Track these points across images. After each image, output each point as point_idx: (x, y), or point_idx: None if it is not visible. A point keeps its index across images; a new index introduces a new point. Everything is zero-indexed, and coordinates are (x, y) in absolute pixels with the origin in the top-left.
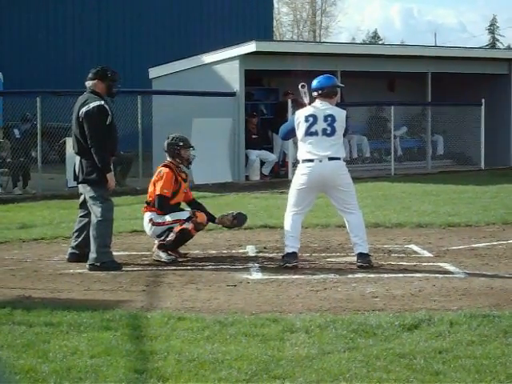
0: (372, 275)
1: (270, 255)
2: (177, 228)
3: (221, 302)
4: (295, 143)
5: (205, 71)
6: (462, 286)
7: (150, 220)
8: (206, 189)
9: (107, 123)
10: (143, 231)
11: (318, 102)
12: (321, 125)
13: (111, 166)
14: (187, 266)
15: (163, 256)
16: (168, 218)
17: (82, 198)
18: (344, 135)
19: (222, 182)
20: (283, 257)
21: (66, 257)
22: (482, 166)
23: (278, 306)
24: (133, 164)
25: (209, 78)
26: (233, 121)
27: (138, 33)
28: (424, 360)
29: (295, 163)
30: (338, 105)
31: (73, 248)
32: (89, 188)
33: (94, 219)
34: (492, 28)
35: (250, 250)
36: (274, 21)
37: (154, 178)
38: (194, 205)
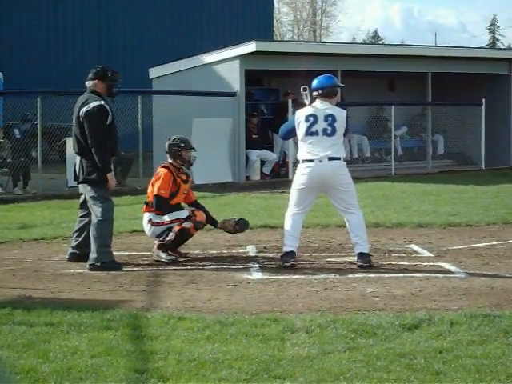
0: (372, 275)
1: (271, 255)
2: (176, 227)
3: (221, 301)
4: (295, 143)
5: (205, 71)
6: (462, 286)
7: (149, 220)
8: (206, 189)
9: (107, 123)
10: (143, 231)
11: (318, 102)
12: (321, 125)
13: (111, 166)
14: (187, 265)
15: (163, 256)
16: (167, 217)
17: (82, 197)
18: (344, 135)
19: (222, 182)
20: (282, 256)
21: (67, 257)
22: (483, 165)
23: (279, 305)
24: (133, 164)
25: (209, 78)
26: (233, 121)
27: (139, 33)
28: (424, 360)
29: (295, 163)
30: (338, 104)
31: (73, 248)
32: (89, 188)
33: (94, 219)
34: (492, 28)
35: (251, 250)
36: (275, 21)
37: (153, 178)
38: (196, 207)
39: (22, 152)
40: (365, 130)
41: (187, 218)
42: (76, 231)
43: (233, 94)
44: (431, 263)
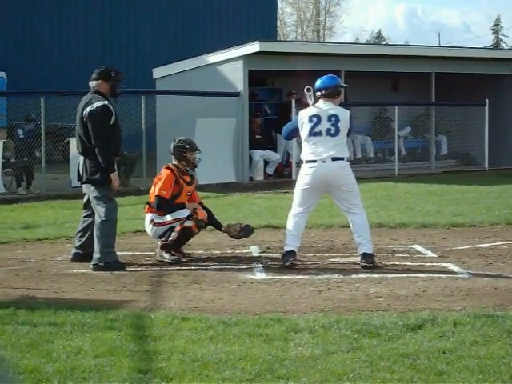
0: (376, 275)
1: (274, 255)
2: (178, 227)
3: (224, 302)
4: (299, 143)
5: (209, 71)
6: (465, 286)
7: (151, 221)
8: (209, 189)
9: (111, 123)
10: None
11: (321, 102)
12: (325, 125)
13: (115, 166)
14: (191, 266)
15: (166, 256)
16: (169, 217)
17: (85, 198)
18: (347, 135)
19: (225, 182)
20: (282, 256)
21: (70, 257)
22: (486, 166)
23: (282, 306)
24: (136, 164)
25: (212, 78)
26: (236, 121)
27: (142, 33)
28: (428, 360)
29: (299, 163)
30: (341, 105)
31: (76, 248)
32: (93, 188)
33: (97, 219)
34: (496, 28)
35: (254, 250)
36: (278, 21)
37: (155, 179)
38: None
39: (26, 152)
40: (368, 130)
41: (188, 217)
42: (79, 231)
43: (236, 94)
44: (434, 263)
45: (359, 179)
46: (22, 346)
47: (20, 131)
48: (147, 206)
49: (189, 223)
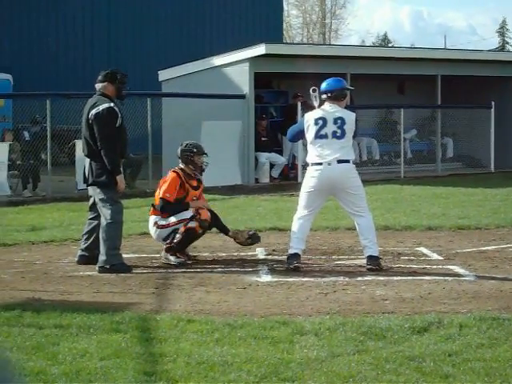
0: (382, 278)
1: (280, 258)
2: (182, 228)
3: (230, 304)
4: (305, 145)
5: (214, 74)
6: (471, 289)
7: (155, 223)
8: (215, 191)
9: (117, 125)
10: None
11: (327, 105)
12: (331, 127)
13: (121, 169)
14: (197, 268)
15: (172, 259)
16: (172, 218)
17: (91, 200)
18: (353, 138)
19: (231, 185)
20: (287, 258)
21: (76, 259)
22: (492, 168)
23: (288, 308)
24: (142, 166)
25: (218, 81)
26: (242, 123)
27: (148, 35)
28: (433, 363)
29: (305, 166)
30: (347, 107)
31: (82, 250)
32: (98, 190)
33: (103, 221)
34: (502, 30)
35: (260, 253)
36: (284, 23)
37: (161, 181)
38: None
39: (32, 154)
40: (374, 132)
41: (192, 218)
42: (85, 233)
43: (242, 97)
44: (440, 266)
45: (365, 182)
46: (28, 348)
47: (26, 133)
48: (152, 209)
49: (192, 224)
